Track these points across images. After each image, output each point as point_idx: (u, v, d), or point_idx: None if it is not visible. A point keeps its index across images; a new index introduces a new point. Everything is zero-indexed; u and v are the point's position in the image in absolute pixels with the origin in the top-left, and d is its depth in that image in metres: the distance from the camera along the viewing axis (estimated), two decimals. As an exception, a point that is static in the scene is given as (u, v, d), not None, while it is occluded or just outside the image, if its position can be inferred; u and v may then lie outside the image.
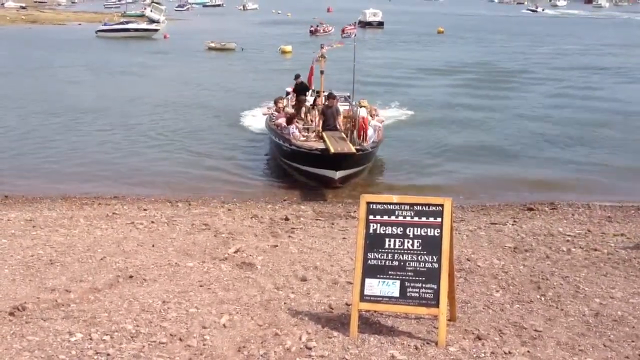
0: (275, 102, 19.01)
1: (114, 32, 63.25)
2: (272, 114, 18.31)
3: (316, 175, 14.96)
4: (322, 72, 18.90)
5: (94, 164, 17.08)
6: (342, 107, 17.49)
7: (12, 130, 21.08)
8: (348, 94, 19.85)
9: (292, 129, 15.93)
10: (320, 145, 15.09)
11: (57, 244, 9.13)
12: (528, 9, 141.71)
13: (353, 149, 14.32)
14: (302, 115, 17.83)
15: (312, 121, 16.86)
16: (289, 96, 19.92)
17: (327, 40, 19.29)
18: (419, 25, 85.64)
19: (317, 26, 66.17)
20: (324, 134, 15.51)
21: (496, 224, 11.12)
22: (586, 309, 6.76)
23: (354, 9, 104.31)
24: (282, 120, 16.54)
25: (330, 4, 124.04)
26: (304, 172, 15.45)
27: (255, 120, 21.80)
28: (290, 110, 17.50)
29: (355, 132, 15.66)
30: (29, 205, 12.94)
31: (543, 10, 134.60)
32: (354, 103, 18.13)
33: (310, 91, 19.95)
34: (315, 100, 18.44)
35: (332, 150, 14.14)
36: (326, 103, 16.66)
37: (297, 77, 19.44)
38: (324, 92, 18.51)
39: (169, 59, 46.03)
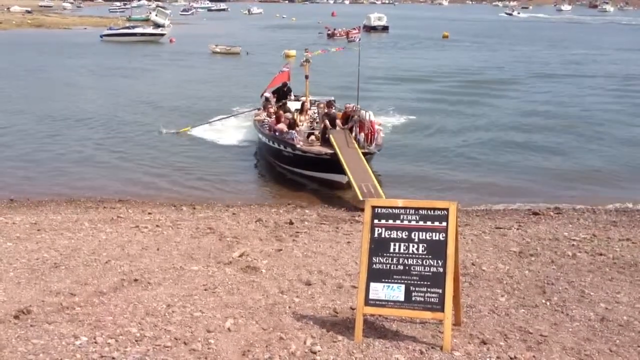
0: (265, 108, 19.08)
1: (120, 37, 63.51)
2: (263, 120, 18.24)
3: (324, 179, 15.05)
4: (306, 77, 18.88)
5: (98, 168, 17.10)
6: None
7: (17, 134, 21.13)
8: (333, 98, 19.88)
9: (294, 133, 15.91)
10: (325, 150, 15.08)
11: (62, 248, 9.15)
12: (506, 13, 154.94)
13: (377, 184, 13.78)
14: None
15: (299, 125, 16.86)
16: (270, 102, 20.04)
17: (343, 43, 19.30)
18: (423, 30, 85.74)
19: (335, 29, 67.51)
20: (332, 139, 15.19)
21: (501, 228, 11.10)
22: (592, 313, 6.73)
23: (358, 13, 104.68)
24: (282, 126, 16.43)
25: (334, 8, 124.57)
26: (308, 176, 15.48)
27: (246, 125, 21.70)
28: (289, 115, 17.46)
29: (363, 135, 15.64)
30: (34, 208, 12.98)
31: (519, 13, 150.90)
32: (339, 106, 18.09)
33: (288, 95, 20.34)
34: (302, 104, 18.46)
35: (356, 190, 13.46)
36: (327, 110, 16.74)
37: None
38: (309, 96, 18.68)
39: (174, 63, 46.13)
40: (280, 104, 19.20)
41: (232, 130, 21.22)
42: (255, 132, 19.10)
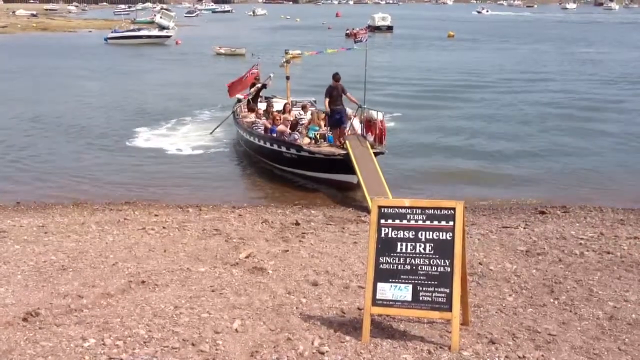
0: (253, 110, 19.04)
1: (124, 39, 63.71)
2: (254, 121, 18.10)
3: (331, 179, 15.05)
4: (287, 78, 18.77)
5: (103, 170, 17.13)
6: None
7: (22, 137, 21.20)
8: (314, 99, 19.75)
9: (296, 135, 15.84)
10: (337, 150, 15.03)
11: (69, 250, 9.18)
12: (476, 11, 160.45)
13: (385, 185, 13.68)
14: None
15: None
16: (242, 102, 19.97)
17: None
18: (428, 29, 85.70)
19: (353, 29, 68.33)
20: (349, 145, 14.85)
21: (508, 227, 11.06)
22: (600, 312, 6.71)
23: (362, 14, 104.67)
24: (283, 127, 16.31)
25: (338, 8, 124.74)
26: (312, 177, 15.45)
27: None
28: (289, 117, 17.38)
29: (371, 135, 15.60)
30: (41, 211, 13.00)
31: (487, 11, 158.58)
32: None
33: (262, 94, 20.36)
34: (284, 106, 18.40)
35: (365, 191, 13.45)
36: (331, 84, 16.21)
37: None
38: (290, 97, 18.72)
39: (178, 65, 46.20)
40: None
41: (190, 138, 20.88)
42: (234, 135, 18.83)
